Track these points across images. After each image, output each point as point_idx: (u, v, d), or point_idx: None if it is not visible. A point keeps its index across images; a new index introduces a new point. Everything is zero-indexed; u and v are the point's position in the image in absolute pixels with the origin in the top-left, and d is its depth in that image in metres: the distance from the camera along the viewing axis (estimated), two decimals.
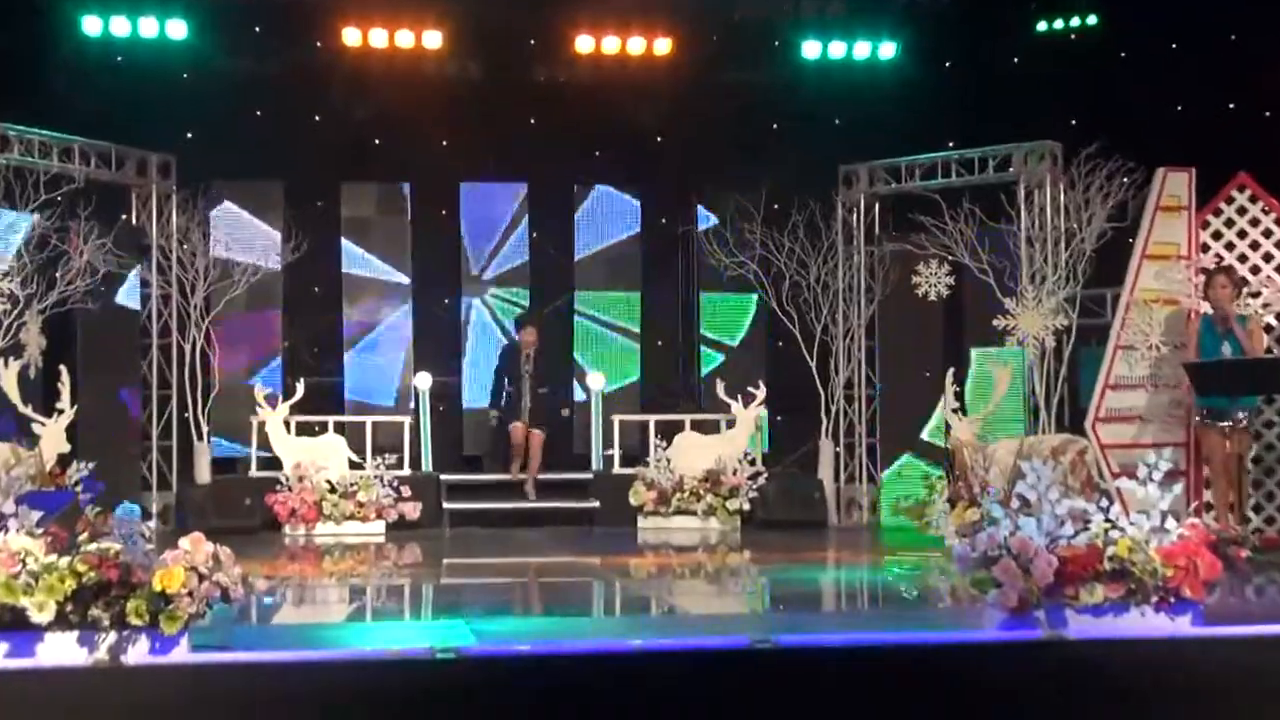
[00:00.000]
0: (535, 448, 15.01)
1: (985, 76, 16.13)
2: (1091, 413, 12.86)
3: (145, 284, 14.80)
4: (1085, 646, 7.00)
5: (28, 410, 12.69)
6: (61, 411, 12.67)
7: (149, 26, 15.63)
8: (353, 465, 14.75)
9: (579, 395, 16.34)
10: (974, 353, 14.65)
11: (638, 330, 16.84)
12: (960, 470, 13.19)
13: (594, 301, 16.76)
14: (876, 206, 15.86)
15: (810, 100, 16.36)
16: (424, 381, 15.60)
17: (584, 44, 16.44)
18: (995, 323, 13.87)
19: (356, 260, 16.40)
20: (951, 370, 13.94)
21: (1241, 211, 12.96)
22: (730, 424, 15.31)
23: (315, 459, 14.49)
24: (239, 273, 14.97)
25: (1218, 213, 13.00)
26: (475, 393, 16.41)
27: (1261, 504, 12.73)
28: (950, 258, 14.58)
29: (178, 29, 15.69)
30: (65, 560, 6.55)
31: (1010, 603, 7.09)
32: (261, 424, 14.79)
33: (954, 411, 13.62)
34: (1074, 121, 15.30)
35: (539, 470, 15.02)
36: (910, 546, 12.86)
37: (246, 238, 15.44)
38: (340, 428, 15.30)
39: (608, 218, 16.82)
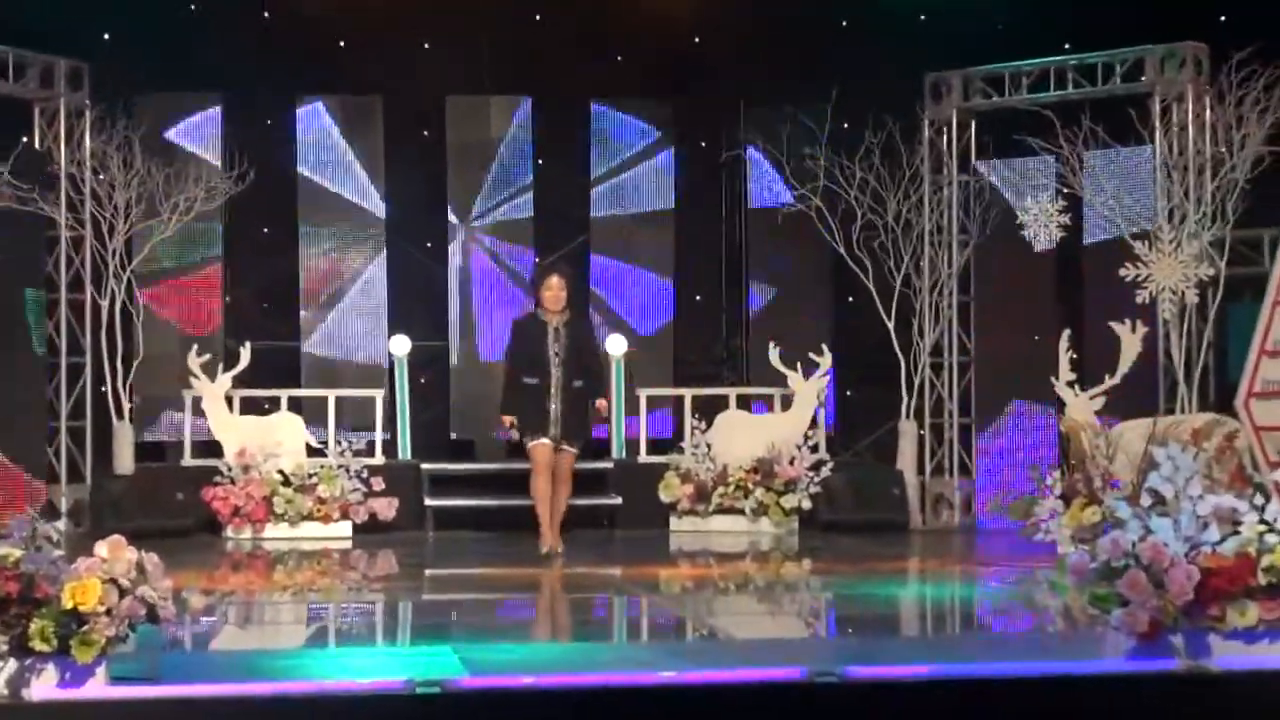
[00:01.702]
0: (565, 474, 13.04)
1: None
2: (1244, 386, 12.75)
3: (52, 225, 14.83)
4: (1233, 680, 6.99)
5: None
6: None
7: None
8: (312, 451, 14.80)
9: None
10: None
11: (670, 283, 16.83)
12: (1077, 459, 13.16)
13: (614, 247, 16.74)
14: (972, 125, 15.80)
15: None
16: (401, 346, 15.60)
17: None
18: (1122, 272, 13.81)
19: (316, 194, 16.40)
20: (1067, 332, 13.90)
21: None
22: (786, 400, 15.31)
23: (265, 443, 14.54)
24: (169, 209, 14.99)
25: None
26: (468, 359, 16.44)
27: None
28: (1066, 190, 14.53)
29: None
30: None
31: (1139, 625, 7.08)
32: (197, 399, 14.84)
33: (1069, 385, 13.60)
34: (1223, 17, 15.21)
35: (565, 507, 13.14)
36: (1013, 555, 12.85)
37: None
38: (296, 404, 15.34)
39: (633, 140, 16.79)
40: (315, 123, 16.46)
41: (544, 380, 12.87)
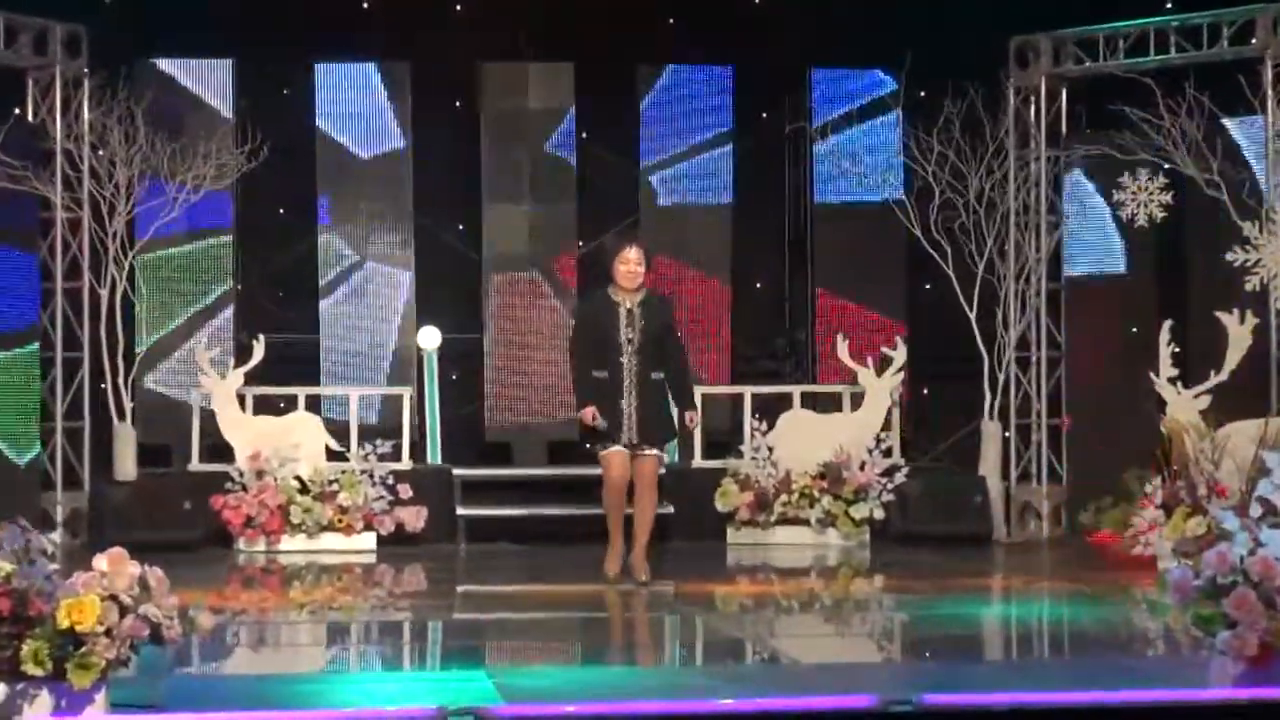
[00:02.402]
0: (649, 481, 12.23)
1: None
2: None
3: (47, 205, 14.90)
4: None
5: None
6: None
7: None
8: (332, 455, 14.84)
9: None
10: None
11: (727, 266, 16.82)
12: (1179, 464, 13.12)
13: (665, 229, 16.72)
14: (1064, 94, 15.76)
15: None
16: (430, 340, 15.65)
17: None
18: (1230, 257, 13.76)
19: (337, 171, 16.44)
20: (1169, 324, 13.86)
21: None
22: (857, 399, 15.29)
23: (280, 446, 14.58)
24: (174, 188, 15.04)
25: None
26: (504, 354, 16.47)
27: None
28: (1167, 166, 14.47)
29: None
30: None
31: (1248, 649, 7.05)
32: (206, 398, 14.88)
33: (1170, 382, 13.55)
34: None
35: (653, 522, 12.39)
36: (1108, 570, 12.82)
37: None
38: (315, 403, 15.39)
39: (686, 110, 16.78)
40: (336, 93, 16.49)
41: (615, 374, 12.00)
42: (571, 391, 12.48)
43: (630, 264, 12.03)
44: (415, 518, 14.59)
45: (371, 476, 14.56)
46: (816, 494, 14.78)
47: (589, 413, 11.94)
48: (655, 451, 12.21)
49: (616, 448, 11.99)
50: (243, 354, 15.07)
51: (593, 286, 13.50)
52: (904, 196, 15.43)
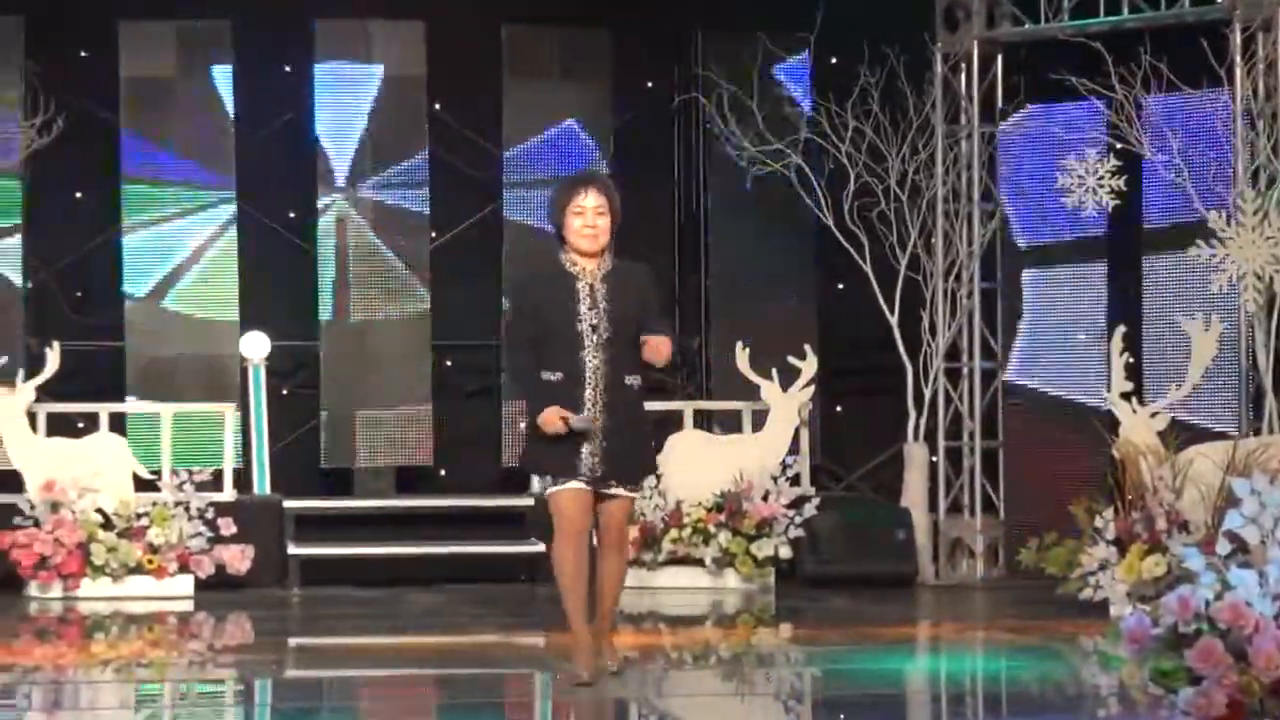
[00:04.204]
0: (617, 534, 10.12)
1: None
2: None
3: None
4: None
5: None
6: None
7: None
8: (140, 484, 14.78)
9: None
10: None
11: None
12: (1134, 492, 13.25)
13: (531, 217, 16.76)
14: (999, 61, 15.86)
15: None
16: (257, 348, 15.60)
17: None
18: (1193, 252, 13.91)
19: (145, 147, 16.37)
20: (1121, 330, 13.99)
21: None
22: (759, 418, 15.36)
23: (79, 473, 14.51)
24: None
25: None
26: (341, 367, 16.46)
27: None
28: (1119, 146, 14.61)
29: None
30: None
31: (1214, 709, 7.15)
32: None
33: (1124, 398, 13.68)
34: None
35: (620, 588, 10.41)
36: (1053, 618, 12.93)
37: None
38: (120, 422, 15.32)
39: (557, 81, 16.79)
40: (144, 54, 16.40)
41: (574, 378, 9.83)
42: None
43: (587, 214, 9.87)
44: (240, 558, 14.55)
45: (188, 509, 14.51)
46: (712, 529, 14.82)
47: (551, 417, 9.75)
48: (627, 492, 10.08)
49: (573, 484, 9.86)
50: (34, 364, 14.98)
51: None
52: (815, 181, 15.48)
